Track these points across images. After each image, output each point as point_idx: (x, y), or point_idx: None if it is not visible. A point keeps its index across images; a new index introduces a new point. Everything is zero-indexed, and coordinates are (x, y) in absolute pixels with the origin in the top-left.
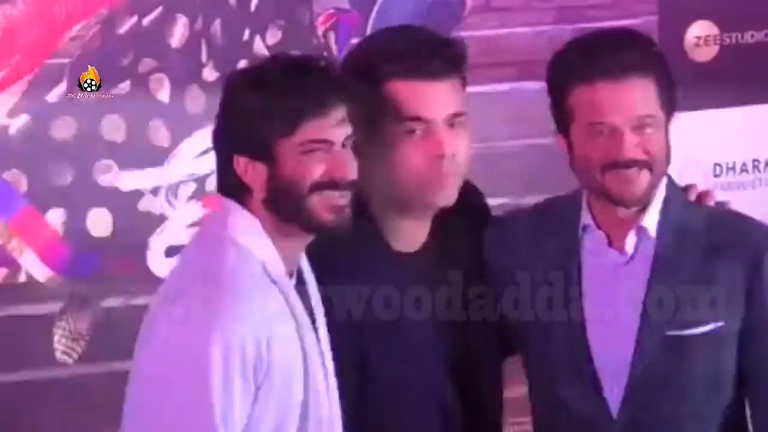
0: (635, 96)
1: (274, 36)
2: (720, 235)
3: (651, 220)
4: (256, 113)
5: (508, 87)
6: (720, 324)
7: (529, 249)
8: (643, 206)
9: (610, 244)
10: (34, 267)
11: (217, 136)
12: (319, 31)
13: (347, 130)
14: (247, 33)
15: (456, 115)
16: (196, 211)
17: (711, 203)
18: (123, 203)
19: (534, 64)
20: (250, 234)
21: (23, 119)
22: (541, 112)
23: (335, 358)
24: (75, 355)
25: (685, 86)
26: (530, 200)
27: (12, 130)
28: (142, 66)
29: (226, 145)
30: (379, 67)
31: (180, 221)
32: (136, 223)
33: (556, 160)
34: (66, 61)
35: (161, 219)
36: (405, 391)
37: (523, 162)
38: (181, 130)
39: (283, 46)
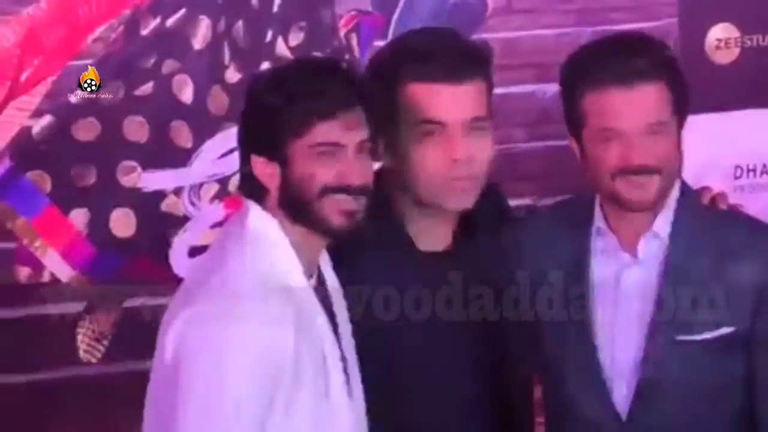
0: (647, 102)
1: (296, 37)
2: (732, 239)
3: (663, 224)
4: (271, 113)
5: (530, 89)
6: (730, 329)
7: (543, 249)
8: (655, 210)
9: (622, 247)
10: (57, 266)
11: (239, 136)
12: (341, 33)
13: (362, 134)
14: (269, 34)
15: (476, 119)
16: (218, 211)
17: (724, 206)
18: (146, 204)
19: (555, 67)
20: (267, 234)
21: (47, 120)
22: (561, 114)
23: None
24: (98, 354)
25: (705, 88)
26: (550, 202)
27: (35, 131)
28: (165, 67)
29: (245, 145)
30: (397, 69)
31: (202, 222)
32: (158, 224)
33: (576, 161)
34: (89, 62)
35: (184, 219)
36: (430, 390)
37: (543, 163)
38: (203, 131)
39: (305, 47)
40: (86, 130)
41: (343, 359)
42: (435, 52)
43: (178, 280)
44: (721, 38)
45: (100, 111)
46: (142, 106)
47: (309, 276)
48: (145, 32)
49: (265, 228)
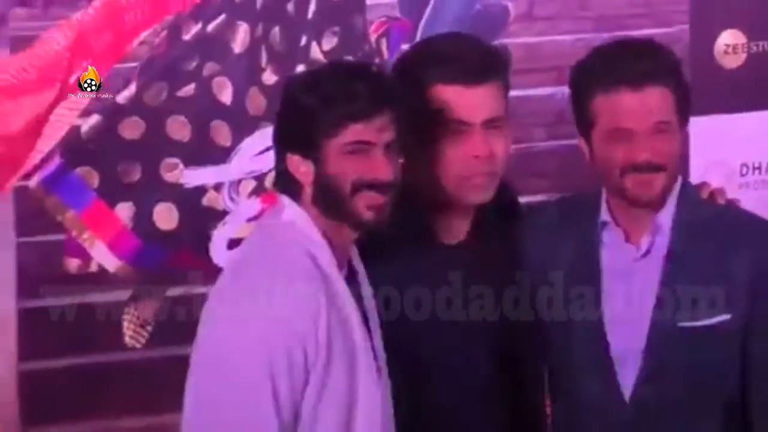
0: (654, 103)
1: (329, 42)
2: (730, 231)
3: (665, 217)
4: (307, 114)
5: (549, 91)
6: (727, 317)
7: (550, 242)
8: (659, 205)
9: (627, 239)
10: (104, 257)
11: (275, 134)
12: (372, 38)
13: (390, 134)
14: (304, 39)
15: (495, 119)
16: (255, 206)
17: (722, 201)
18: (187, 198)
19: None
20: (301, 227)
21: (94, 119)
22: None
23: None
24: (142, 340)
25: (714, 91)
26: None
27: (84, 129)
28: (206, 70)
29: (281, 144)
30: (424, 72)
31: (240, 216)
32: (199, 217)
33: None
34: (135, 65)
35: (223, 213)
36: (450, 374)
37: (561, 161)
38: (242, 130)
39: (337, 51)
40: (131, 129)
41: (373, 347)
42: (458, 56)
43: (218, 270)
44: (729, 44)
45: (145, 111)
46: (184, 107)
47: (340, 268)
48: (187, 37)
49: (298, 221)
